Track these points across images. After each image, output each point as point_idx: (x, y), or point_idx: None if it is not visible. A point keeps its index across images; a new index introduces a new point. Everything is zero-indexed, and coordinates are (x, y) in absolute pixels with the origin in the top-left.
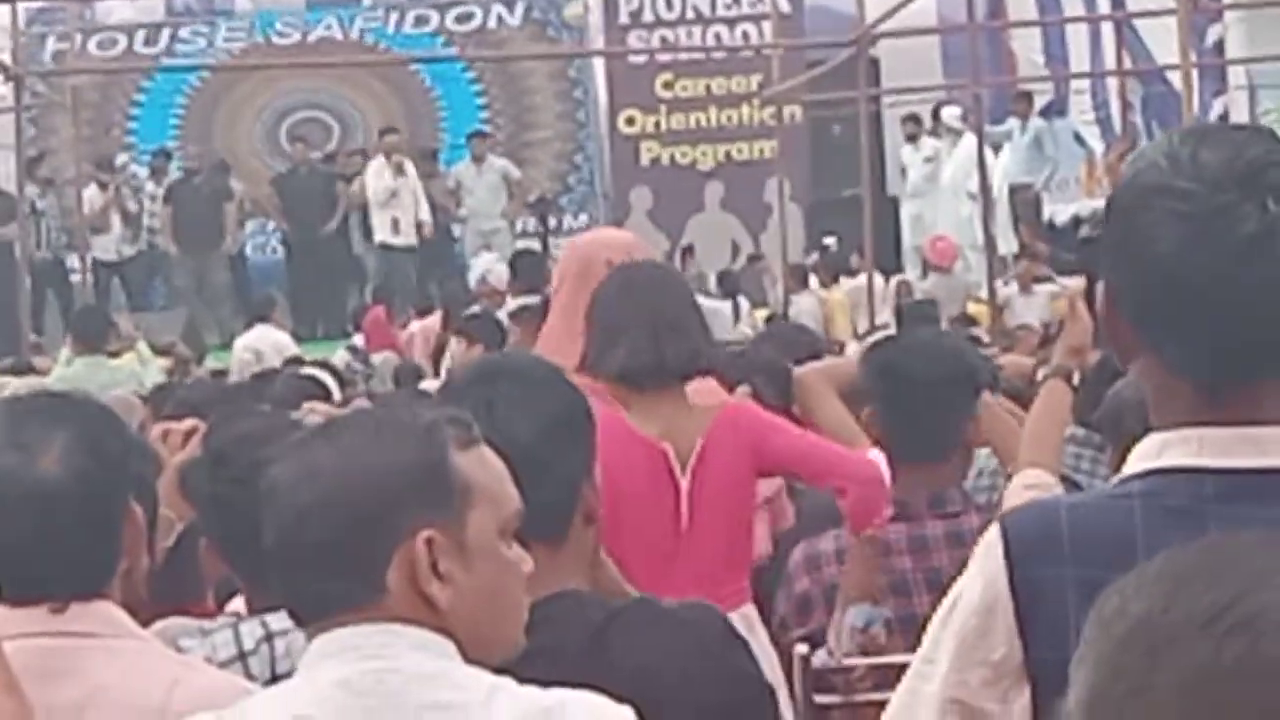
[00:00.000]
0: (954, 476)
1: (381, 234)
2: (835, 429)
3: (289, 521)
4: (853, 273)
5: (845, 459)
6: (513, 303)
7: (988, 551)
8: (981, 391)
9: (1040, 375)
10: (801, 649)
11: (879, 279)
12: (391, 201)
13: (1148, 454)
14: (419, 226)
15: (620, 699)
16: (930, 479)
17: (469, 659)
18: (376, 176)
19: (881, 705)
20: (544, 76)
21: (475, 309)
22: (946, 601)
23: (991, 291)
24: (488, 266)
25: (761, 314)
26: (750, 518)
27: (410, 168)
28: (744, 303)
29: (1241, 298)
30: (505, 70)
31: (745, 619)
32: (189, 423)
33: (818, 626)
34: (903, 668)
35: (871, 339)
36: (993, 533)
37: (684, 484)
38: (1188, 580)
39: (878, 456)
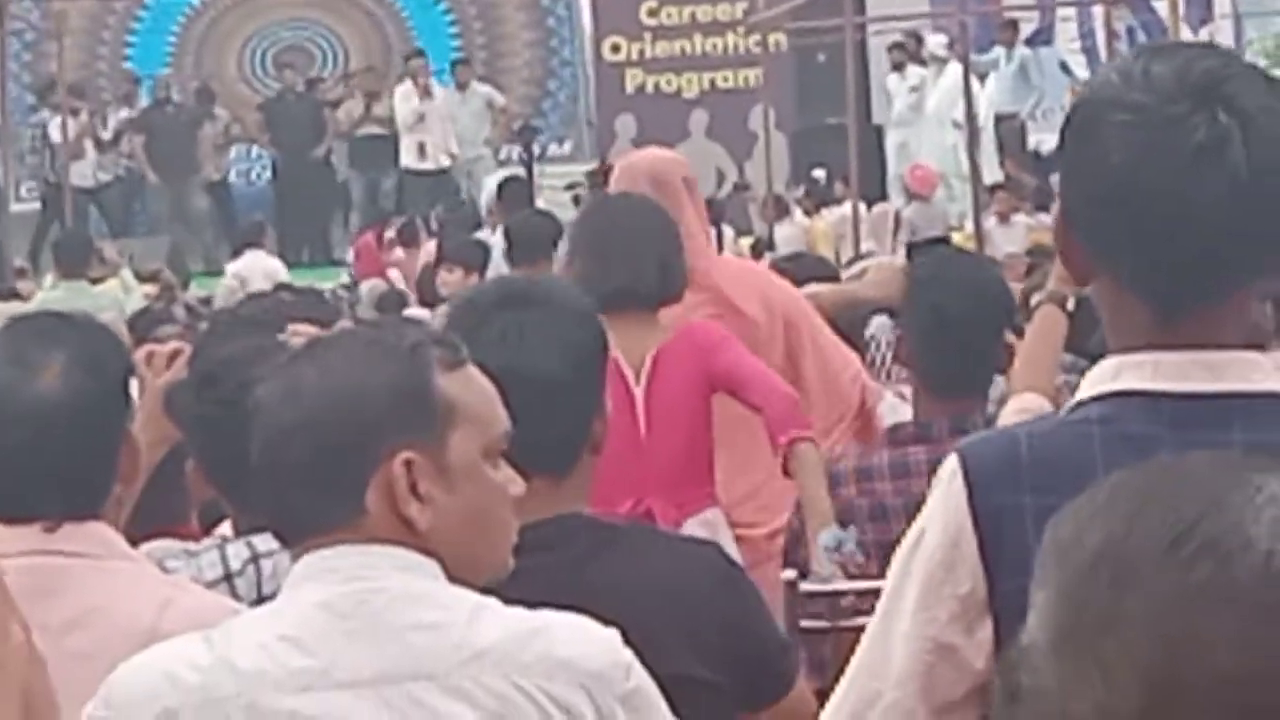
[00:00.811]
0: (979, 408)
1: (407, 158)
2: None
3: (272, 440)
4: (837, 201)
5: (764, 381)
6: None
7: (948, 483)
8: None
9: (1033, 301)
10: (789, 574)
11: (862, 208)
12: (418, 126)
13: (1103, 377)
14: (450, 154)
15: (609, 619)
16: (958, 409)
17: (455, 580)
18: (404, 100)
19: None
20: (513, 6)
21: (471, 236)
22: (910, 536)
23: (977, 221)
24: (495, 185)
25: (746, 242)
26: (706, 427)
27: (439, 90)
28: (728, 231)
29: (1191, 209)
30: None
31: (708, 524)
32: (173, 344)
33: None
34: None
35: (907, 266)
36: (952, 463)
37: (638, 393)
38: (1145, 505)
39: (867, 385)
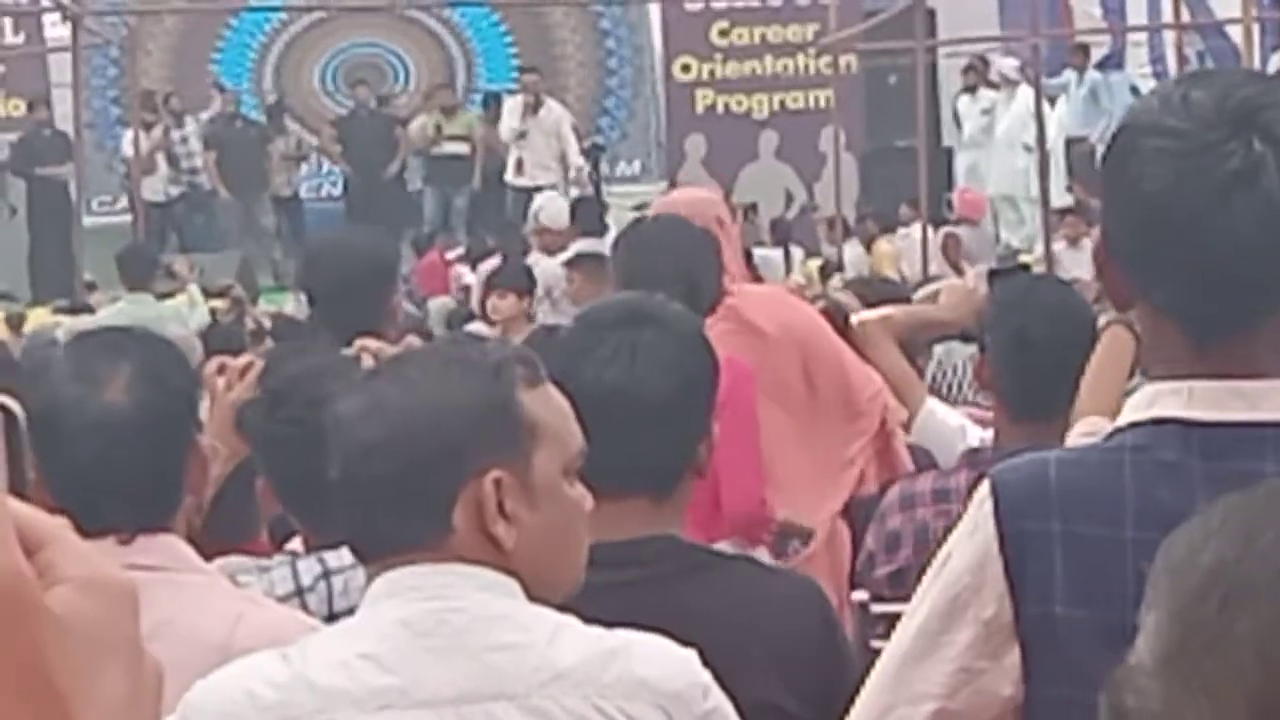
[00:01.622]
0: (1059, 432)
1: (508, 174)
2: (894, 377)
3: (354, 457)
4: (903, 224)
5: (745, 489)
6: (572, 248)
7: (978, 508)
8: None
9: (1100, 323)
10: (860, 595)
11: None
12: (519, 142)
13: (1139, 405)
14: (568, 170)
15: (695, 639)
16: (1039, 434)
17: (532, 598)
18: (510, 115)
19: None
20: (569, 29)
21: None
22: (939, 558)
23: (1047, 245)
24: (540, 204)
25: (814, 264)
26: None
27: (551, 109)
28: (797, 252)
29: (1225, 236)
30: (535, 21)
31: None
32: (245, 358)
33: (904, 564)
34: None
35: (989, 290)
36: (983, 489)
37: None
38: (1259, 529)
39: (932, 407)
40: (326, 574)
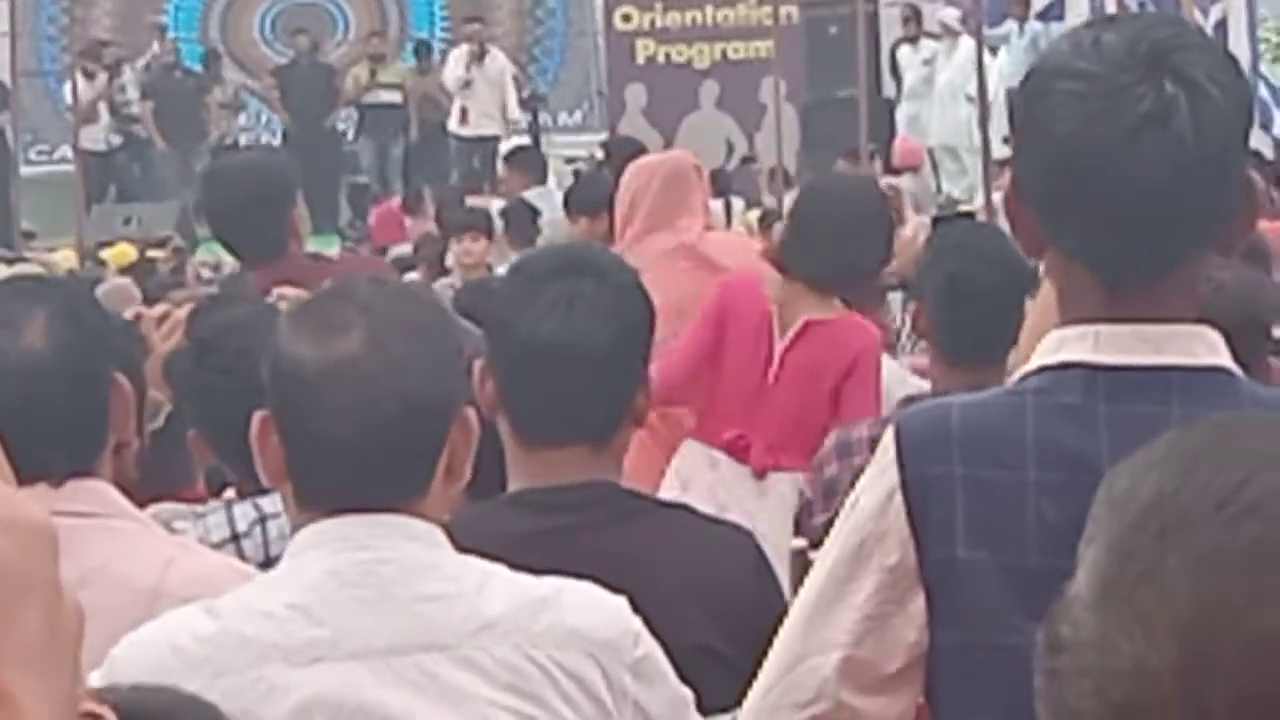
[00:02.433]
0: (997, 378)
1: (451, 123)
2: None
3: (343, 412)
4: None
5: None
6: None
7: (884, 453)
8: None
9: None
10: (799, 543)
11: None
12: (464, 91)
13: (1047, 350)
14: (508, 121)
15: (627, 585)
16: (976, 379)
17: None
18: (455, 64)
19: None
20: None
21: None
22: (848, 504)
23: (988, 195)
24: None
25: (754, 214)
26: (825, 411)
27: (495, 58)
28: (737, 202)
29: (1135, 179)
30: None
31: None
32: (161, 307)
33: None
34: None
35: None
36: (889, 434)
37: (779, 348)
38: (1198, 462)
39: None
40: (262, 519)
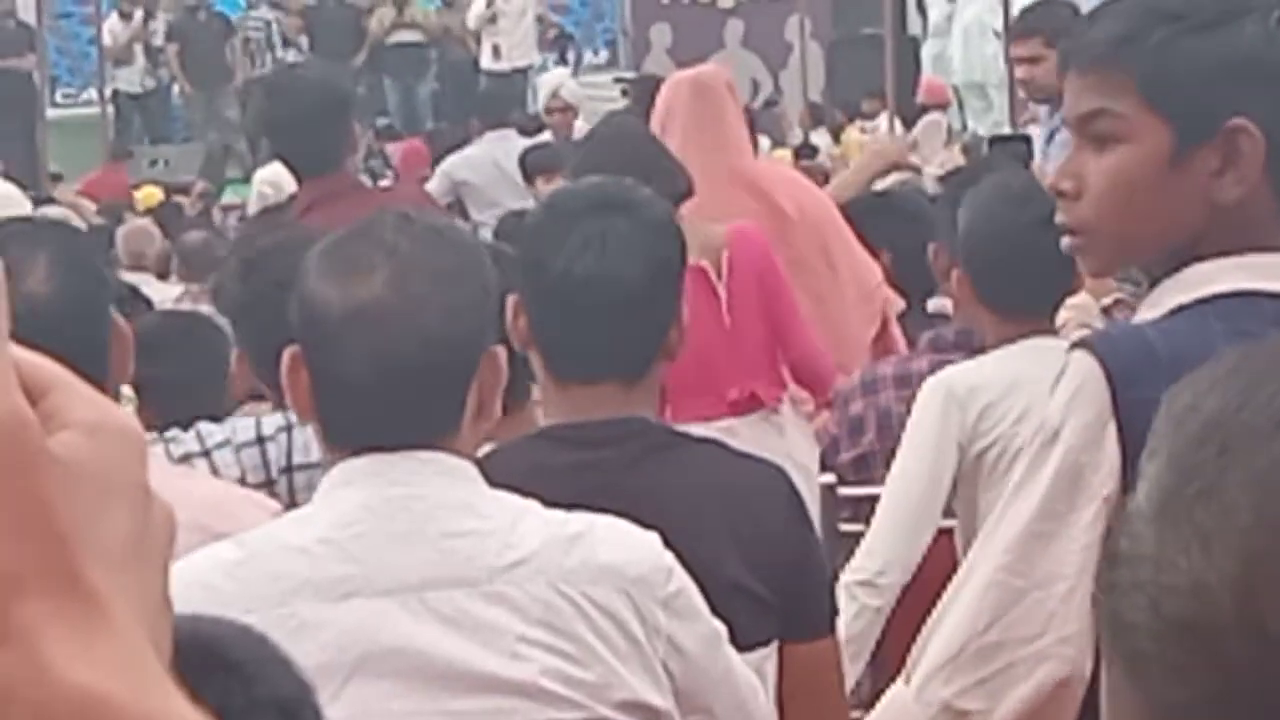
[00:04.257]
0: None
1: (484, 60)
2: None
3: (381, 349)
4: (866, 116)
5: (807, 343)
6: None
7: (1084, 382)
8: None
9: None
10: (827, 478)
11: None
12: (490, 27)
13: (1196, 282)
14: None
15: (660, 520)
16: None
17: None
18: (478, 2)
19: None
20: None
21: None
22: (1043, 434)
23: (1014, 130)
24: (559, 81)
25: (780, 153)
26: (776, 321)
27: None
28: (763, 141)
29: None
30: None
31: (794, 400)
32: None
33: (868, 449)
34: None
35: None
36: (1084, 360)
37: (722, 291)
38: (1262, 379)
39: (888, 295)
40: (289, 427)
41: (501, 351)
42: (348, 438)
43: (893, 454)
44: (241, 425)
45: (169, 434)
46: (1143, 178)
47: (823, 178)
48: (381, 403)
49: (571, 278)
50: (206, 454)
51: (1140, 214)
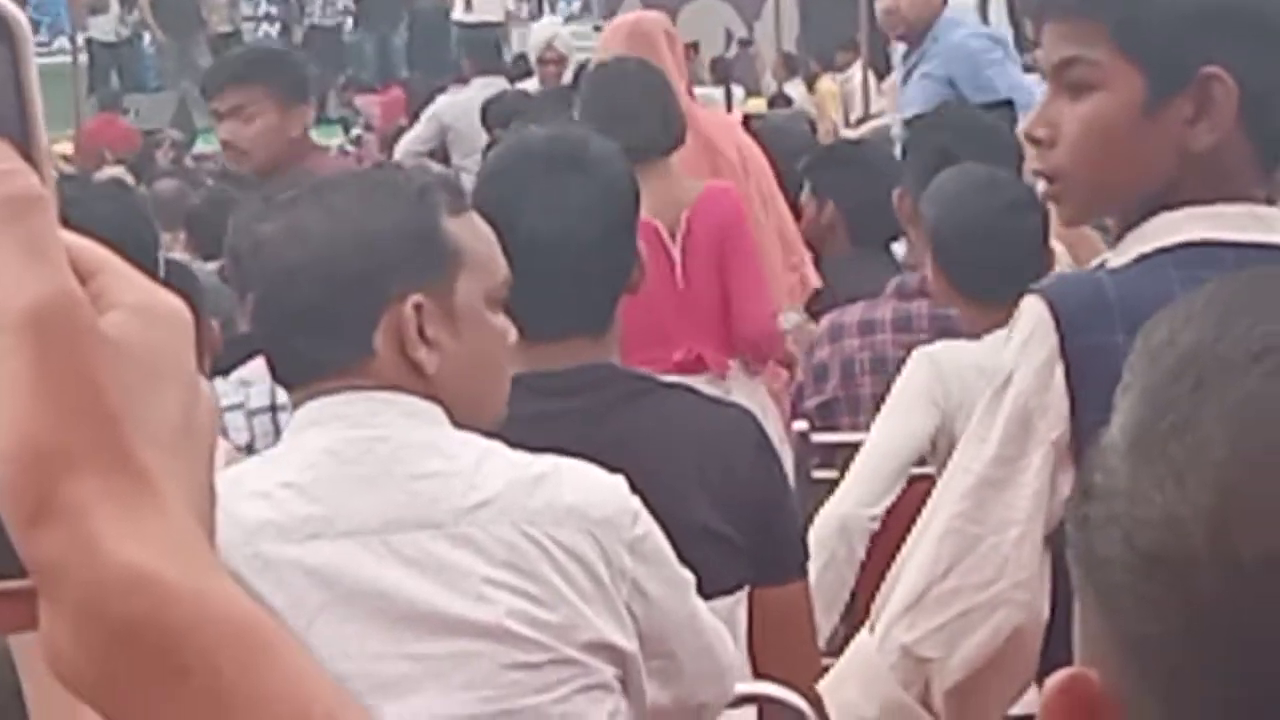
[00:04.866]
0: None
1: (456, 11)
2: None
3: (278, 280)
4: (838, 68)
5: (756, 313)
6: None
7: (1034, 326)
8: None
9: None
10: (800, 425)
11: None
12: None
13: (1160, 231)
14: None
15: (630, 464)
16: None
17: (457, 426)
18: None
19: None
20: None
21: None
22: (995, 384)
23: None
24: (554, 32)
25: (755, 102)
26: (735, 282)
27: None
28: (737, 90)
29: None
30: None
31: (746, 364)
32: None
33: (832, 395)
34: None
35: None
36: (1035, 306)
37: (675, 252)
38: (1237, 313)
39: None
40: None
41: (416, 299)
42: (275, 373)
43: (855, 400)
44: (256, 391)
45: None
46: (1117, 125)
47: (809, 126)
48: (279, 336)
49: (533, 243)
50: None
51: (1114, 161)
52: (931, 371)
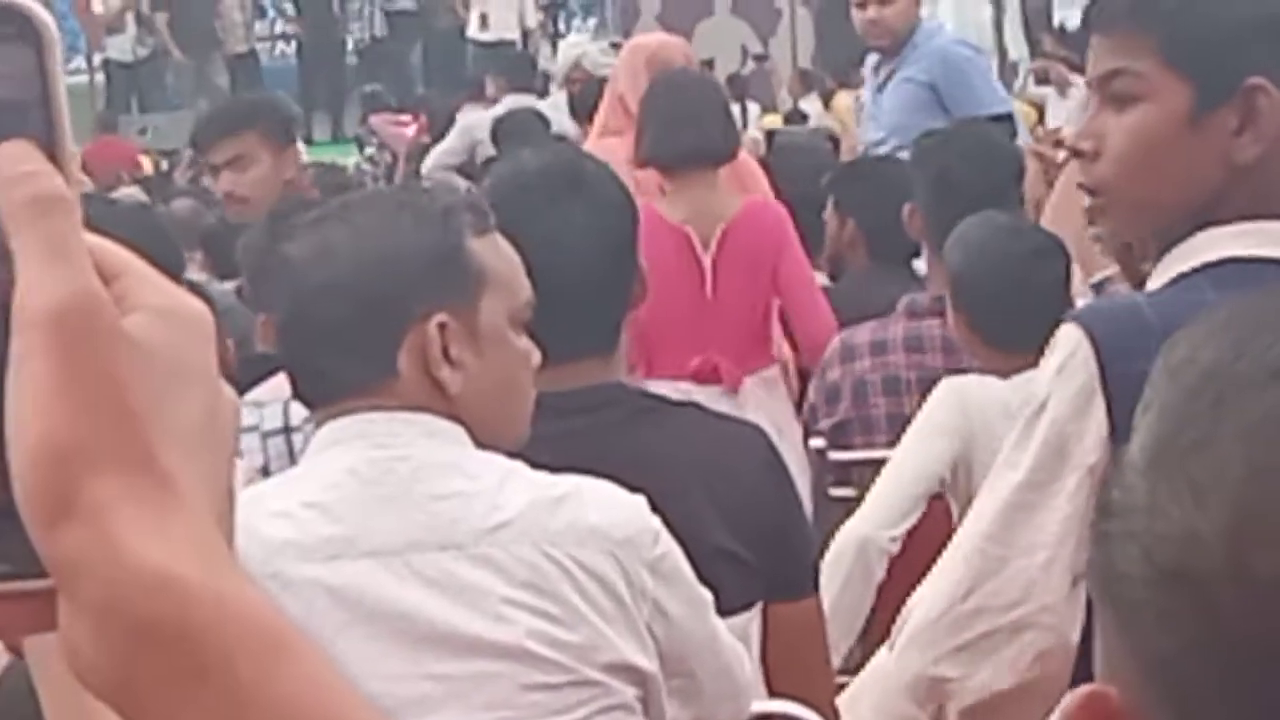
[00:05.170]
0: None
1: (471, 29)
2: None
3: (303, 299)
4: (852, 86)
5: (815, 317)
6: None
7: (1071, 353)
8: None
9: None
10: (817, 443)
11: None
12: None
13: (1199, 249)
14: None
15: (643, 485)
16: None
17: (479, 446)
18: None
19: None
20: None
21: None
22: (1030, 408)
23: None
24: (582, 50)
25: (770, 119)
26: (769, 298)
27: None
28: (753, 107)
29: None
30: None
31: (767, 381)
32: None
33: (844, 416)
34: None
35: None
36: (1073, 334)
37: (707, 262)
38: (1258, 330)
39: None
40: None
41: (440, 319)
42: (298, 392)
43: (868, 420)
44: (269, 412)
45: None
46: (1162, 137)
47: (832, 144)
48: (303, 355)
49: (539, 273)
50: None
51: (1158, 173)
52: (956, 404)
